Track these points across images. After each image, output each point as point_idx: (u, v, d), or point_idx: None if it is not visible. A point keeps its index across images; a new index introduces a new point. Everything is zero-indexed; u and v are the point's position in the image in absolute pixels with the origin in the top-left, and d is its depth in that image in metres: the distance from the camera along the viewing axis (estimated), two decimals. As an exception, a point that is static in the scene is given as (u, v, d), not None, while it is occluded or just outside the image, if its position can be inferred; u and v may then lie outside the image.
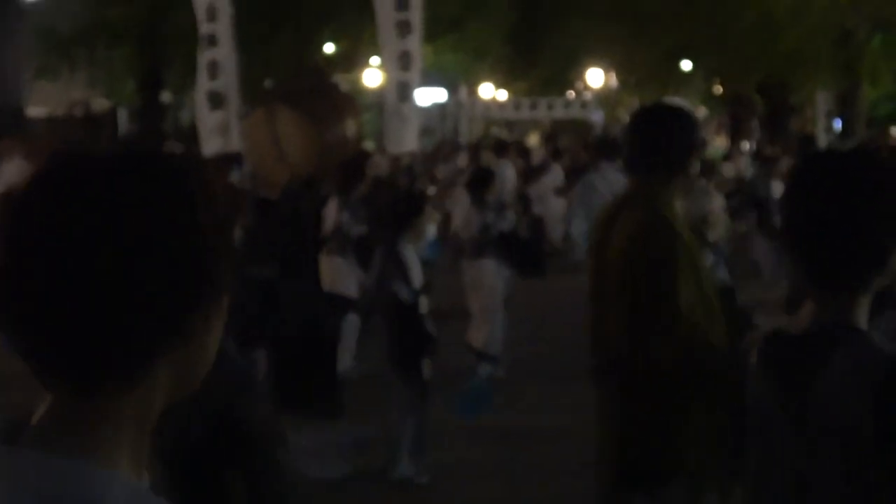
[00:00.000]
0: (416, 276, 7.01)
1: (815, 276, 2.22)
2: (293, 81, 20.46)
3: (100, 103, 33.73)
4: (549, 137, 23.19)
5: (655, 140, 3.92)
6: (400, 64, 13.12)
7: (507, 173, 16.42)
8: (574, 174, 15.66)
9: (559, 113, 35.91)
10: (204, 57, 12.73)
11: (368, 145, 24.66)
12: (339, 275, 9.86)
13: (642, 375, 3.81)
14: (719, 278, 6.17)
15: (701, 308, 3.81)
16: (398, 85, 13.14)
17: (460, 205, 14.62)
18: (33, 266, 1.14)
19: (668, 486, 3.88)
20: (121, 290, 1.14)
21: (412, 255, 7.04)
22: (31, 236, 1.15)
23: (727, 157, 21.40)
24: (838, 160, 2.31)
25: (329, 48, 30.96)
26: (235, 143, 12.68)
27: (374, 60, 29.59)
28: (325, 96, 14.30)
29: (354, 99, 16.17)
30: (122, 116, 33.79)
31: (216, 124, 12.71)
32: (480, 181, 10.49)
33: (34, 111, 31.53)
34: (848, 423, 2.08)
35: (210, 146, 12.77)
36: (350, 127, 14.26)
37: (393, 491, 6.78)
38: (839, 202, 2.17)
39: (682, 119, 4.04)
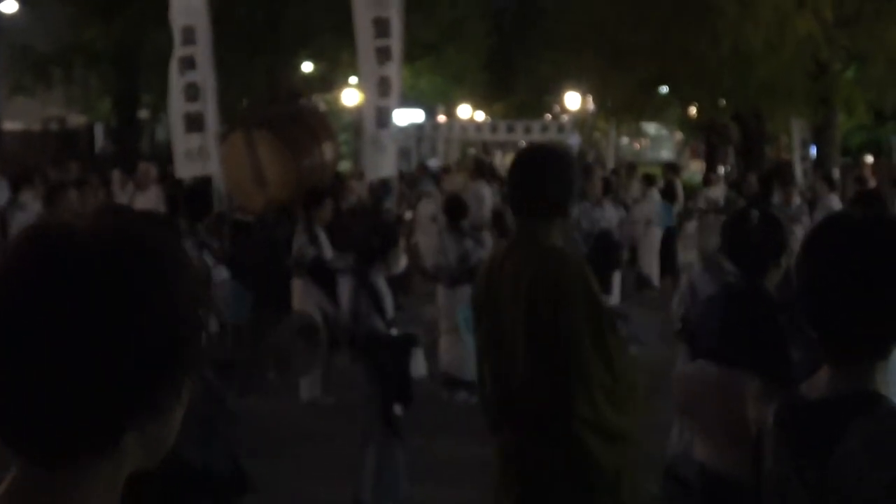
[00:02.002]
0: (389, 306, 7.01)
1: (832, 344, 2.18)
2: (271, 106, 20.48)
3: (76, 120, 33.66)
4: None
5: (537, 183, 3.99)
6: (379, 90, 13.10)
7: (485, 193, 16.45)
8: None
9: (536, 136, 36.03)
10: (181, 80, 12.65)
11: (345, 165, 24.71)
12: (302, 297, 9.93)
13: (555, 413, 3.85)
14: None
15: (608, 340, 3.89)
16: (376, 110, 13.11)
17: (425, 231, 14.69)
18: (7, 340, 1.15)
19: None
20: (96, 366, 1.16)
21: (384, 285, 7.04)
22: (5, 311, 1.17)
23: (706, 182, 21.53)
24: (852, 226, 2.23)
25: (307, 67, 30.99)
26: (213, 167, 12.63)
27: (353, 79, 29.63)
28: (302, 122, 14.32)
29: (331, 124, 16.19)
30: (98, 133, 33.68)
31: (193, 147, 12.63)
32: (456, 209, 10.49)
33: (10, 126, 31.42)
34: (866, 495, 2.04)
35: (185, 170, 12.71)
36: (327, 152, 14.28)
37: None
38: (855, 270, 2.12)
39: (563, 162, 4.10)
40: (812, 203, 16.55)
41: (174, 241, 1.30)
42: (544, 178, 4.00)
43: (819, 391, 2.19)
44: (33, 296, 1.16)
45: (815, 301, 2.19)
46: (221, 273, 7.47)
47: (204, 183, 12.22)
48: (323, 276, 9.80)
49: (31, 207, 11.66)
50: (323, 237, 9.99)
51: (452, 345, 9.89)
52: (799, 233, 13.94)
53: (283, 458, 8.00)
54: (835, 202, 14.75)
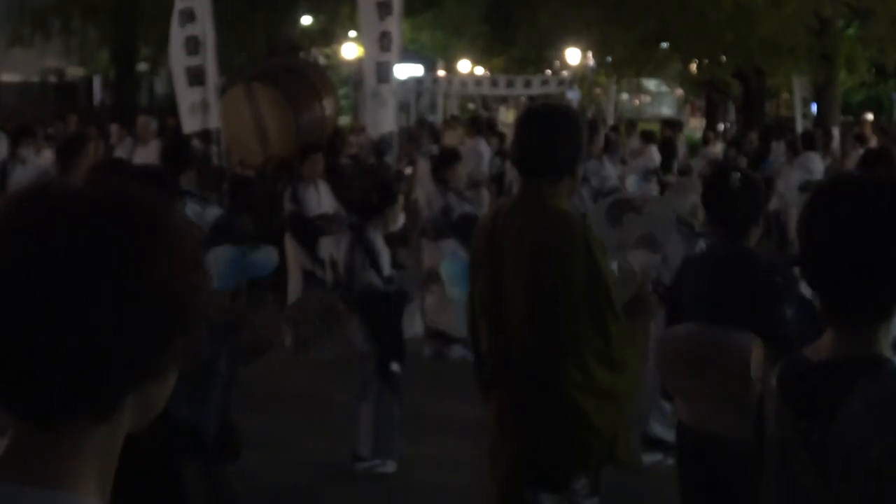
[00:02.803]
0: (386, 263, 7.01)
1: (836, 306, 2.17)
2: (270, 61, 20.30)
3: (74, 72, 33.51)
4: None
5: (546, 143, 3.97)
6: (379, 45, 13.02)
7: (483, 149, 16.38)
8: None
9: (536, 90, 35.86)
10: (182, 33, 12.58)
11: (344, 120, 24.64)
12: (291, 252, 9.98)
13: (547, 376, 3.88)
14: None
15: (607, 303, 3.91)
16: (377, 65, 13.03)
17: (424, 187, 14.68)
18: (9, 303, 1.15)
19: (571, 483, 3.98)
20: (100, 331, 1.16)
21: (381, 242, 7.03)
22: (6, 273, 1.16)
23: (705, 140, 21.52)
24: (855, 187, 2.21)
25: (306, 20, 30.84)
26: (214, 121, 12.60)
27: (352, 33, 29.51)
28: (301, 76, 14.27)
29: (330, 78, 16.12)
30: (97, 86, 33.55)
31: (195, 101, 12.59)
32: (444, 162, 10.41)
33: (7, 77, 31.30)
34: (870, 457, 2.03)
35: (189, 123, 12.69)
36: (327, 107, 14.24)
37: (358, 481, 6.79)
38: (859, 231, 2.11)
39: (572, 122, 4.08)
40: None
41: (173, 204, 1.30)
42: (554, 138, 3.98)
43: (823, 354, 2.18)
44: (33, 261, 1.15)
45: (819, 263, 2.18)
46: (214, 212, 7.41)
47: (179, 135, 12.20)
48: (303, 232, 9.82)
49: (31, 161, 11.65)
50: (310, 193, 9.99)
51: (440, 300, 9.87)
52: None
53: (281, 413, 8.05)
54: (814, 161, 14.71)
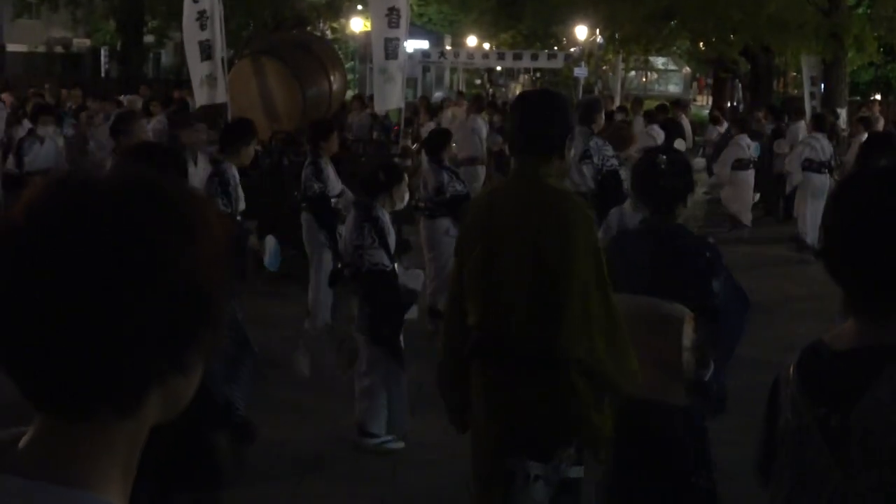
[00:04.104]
0: (392, 241, 7.01)
1: (861, 296, 2.16)
2: (277, 34, 20.26)
3: (80, 43, 33.45)
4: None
5: (537, 124, 4.17)
6: (387, 20, 13.02)
7: (480, 126, 16.37)
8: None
9: (543, 64, 35.77)
10: (194, 7, 12.59)
11: (351, 95, 24.61)
12: (309, 231, 9.86)
13: (539, 352, 3.96)
14: None
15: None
16: (385, 41, 13.03)
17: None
18: (33, 296, 1.13)
19: (556, 452, 4.10)
20: (123, 324, 1.14)
21: (387, 220, 7.03)
22: (31, 265, 1.14)
23: (713, 120, 21.49)
24: (879, 178, 2.19)
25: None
26: (221, 94, 12.62)
27: (360, 6, 29.43)
28: (308, 51, 14.26)
29: (337, 53, 16.11)
30: (103, 57, 33.48)
31: (205, 75, 12.61)
32: (437, 141, 10.39)
33: (13, 47, 31.26)
34: (891, 445, 2.03)
35: (201, 97, 12.72)
36: (334, 82, 14.24)
37: (366, 457, 6.82)
38: (883, 222, 2.10)
39: (561, 106, 4.31)
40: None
41: (200, 195, 1.27)
42: (544, 117, 4.17)
43: (846, 343, 2.17)
44: (56, 252, 1.13)
45: (844, 253, 2.17)
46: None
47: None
48: (325, 213, 9.72)
49: (49, 139, 11.69)
50: (330, 171, 9.91)
51: (436, 277, 9.88)
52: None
53: (293, 387, 8.06)
54: (820, 140, 14.78)
